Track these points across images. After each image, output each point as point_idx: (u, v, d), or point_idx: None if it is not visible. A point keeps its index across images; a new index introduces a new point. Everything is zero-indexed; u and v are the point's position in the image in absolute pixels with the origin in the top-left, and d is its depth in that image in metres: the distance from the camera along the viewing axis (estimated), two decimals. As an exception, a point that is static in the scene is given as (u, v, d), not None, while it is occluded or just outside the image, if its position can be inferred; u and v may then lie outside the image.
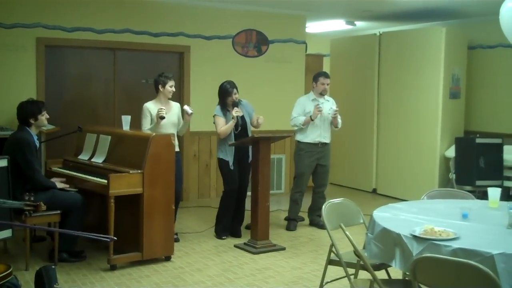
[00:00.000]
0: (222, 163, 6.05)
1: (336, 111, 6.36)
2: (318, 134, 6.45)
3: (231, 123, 5.90)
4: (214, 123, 6.03)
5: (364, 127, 8.98)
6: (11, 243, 5.51)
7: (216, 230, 6.16)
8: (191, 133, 7.32)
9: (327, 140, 6.54)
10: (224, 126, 5.94)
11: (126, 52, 7.51)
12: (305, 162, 6.49)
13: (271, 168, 7.00)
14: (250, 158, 6.07)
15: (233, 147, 5.94)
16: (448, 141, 7.94)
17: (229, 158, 5.97)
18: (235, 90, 6.00)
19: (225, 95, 5.99)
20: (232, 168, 5.99)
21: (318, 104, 6.34)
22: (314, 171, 6.59)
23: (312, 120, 6.32)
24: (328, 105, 6.47)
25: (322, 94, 6.48)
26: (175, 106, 5.95)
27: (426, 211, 3.70)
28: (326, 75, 6.53)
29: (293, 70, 8.59)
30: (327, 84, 6.49)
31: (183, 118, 5.91)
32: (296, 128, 6.46)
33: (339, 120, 6.49)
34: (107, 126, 6.40)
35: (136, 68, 7.64)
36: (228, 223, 6.14)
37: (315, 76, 6.57)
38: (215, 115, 6.02)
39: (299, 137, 6.52)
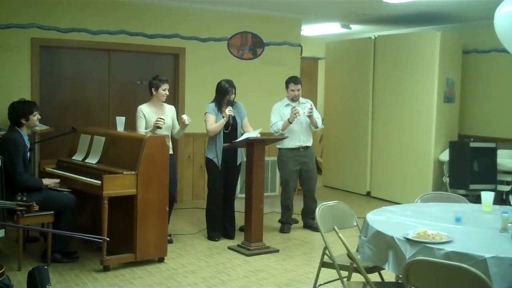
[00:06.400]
0: (209, 163, 6.05)
1: (310, 109, 6.26)
2: (297, 139, 6.42)
3: (222, 121, 5.90)
4: (205, 120, 6.03)
5: (359, 130, 8.99)
6: (3, 244, 5.49)
7: (209, 232, 6.15)
8: (186, 135, 7.30)
9: (308, 144, 6.50)
10: (214, 124, 5.94)
11: (121, 53, 7.49)
12: (288, 168, 6.46)
13: (266, 170, 6.99)
14: (239, 161, 6.11)
15: (222, 147, 5.94)
16: (442, 145, 7.96)
17: (218, 158, 5.97)
18: (233, 90, 6.01)
19: (224, 94, 5.99)
20: (219, 168, 5.99)
21: (294, 107, 6.27)
22: (300, 176, 6.56)
23: (290, 123, 6.27)
24: (304, 107, 6.36)
25: (293, 100, 6.43)
26: (170, 109, 5.94)
27: (419, 214, 3.70)
28: (295, 81, 6.43)
29: (288, 73, 8.44)
30: (298, 90, 6.39)
31: (179, 124, 5.90)
32: (276, 134, 6.39)
33: (317, 120, 6.42)
34: (101, 127, 6.39)
35: (131, 69, 7.62)
36: (219, 225, 6.14)
37: (286, 82, 6.51)
38: (206, 112, 6.02)
39: (280, 144, 6.48)
